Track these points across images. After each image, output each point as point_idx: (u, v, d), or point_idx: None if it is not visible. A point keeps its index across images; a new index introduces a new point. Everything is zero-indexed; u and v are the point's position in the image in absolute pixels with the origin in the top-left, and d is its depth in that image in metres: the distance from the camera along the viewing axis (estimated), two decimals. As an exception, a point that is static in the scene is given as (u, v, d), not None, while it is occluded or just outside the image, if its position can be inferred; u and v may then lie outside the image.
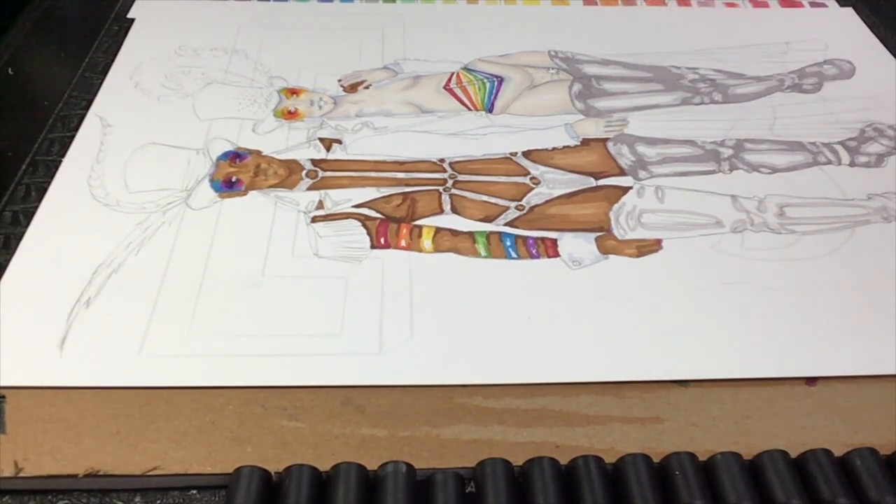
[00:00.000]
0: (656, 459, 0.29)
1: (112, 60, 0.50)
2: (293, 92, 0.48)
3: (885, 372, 0.33)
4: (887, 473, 0.29)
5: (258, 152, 0.43)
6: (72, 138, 0.43)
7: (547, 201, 0.41)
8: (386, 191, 0.41)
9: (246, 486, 0.28)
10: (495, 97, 0.48)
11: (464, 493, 0.28)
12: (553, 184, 0.42)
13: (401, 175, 0.42)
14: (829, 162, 0.44)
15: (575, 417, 0.31)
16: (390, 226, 0.39)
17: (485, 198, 0.41)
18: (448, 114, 0.46)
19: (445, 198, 0.41)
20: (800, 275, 0.37)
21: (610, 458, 0.29)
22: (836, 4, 0.57)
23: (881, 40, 0.53)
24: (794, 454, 0.29)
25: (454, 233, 0.39)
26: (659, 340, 0.34)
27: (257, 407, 0.31)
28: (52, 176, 0.41)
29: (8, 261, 0.37)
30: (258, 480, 0.28)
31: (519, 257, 0.38)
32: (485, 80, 0.49)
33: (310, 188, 0.41)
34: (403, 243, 0.38)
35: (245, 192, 0.41)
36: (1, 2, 0.53)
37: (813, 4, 0.56)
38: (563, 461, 0.29)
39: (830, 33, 0.54)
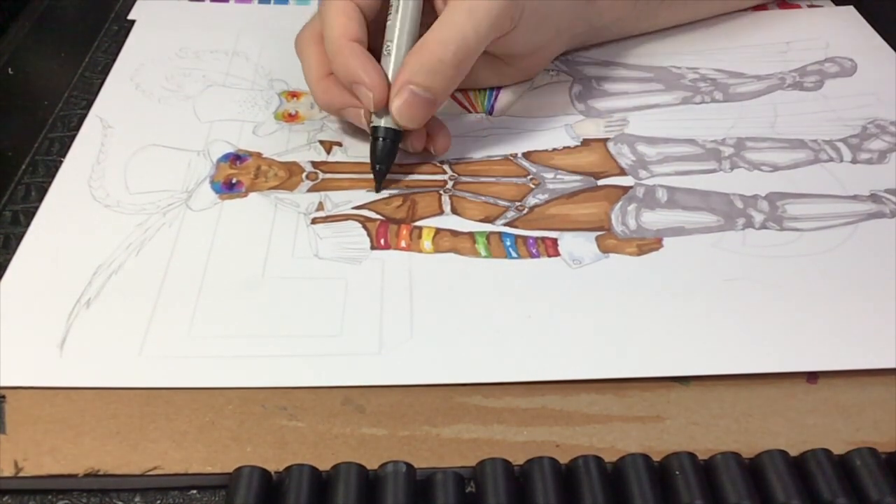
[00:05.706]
0: (657, 458, 0.29)
1: (112, 61, 0.50)
2: (294, 95, 0.48)
3: (887, 365, 0.33)
4: (887, 473, 0.28)
5: (258, 154, 0.43)
6: (72, 138, 0.44)
7: (547, 201, 0.41)
8: (386, 192, 0.41)
9: (246, 485, 0.28)
10: (495, 99, 0.48)
11: (464, 493, 0.28)
12: (553, 184, 0.42)
13: (401, 177, 0.42)
14: (830, 159, 0.44)
15: (575, 416, 0.31)
16: (390, 227, 0.39)
17: (485, 199, 0.41)
18: (448, 116, 0.46)
19: (445, 199, 0.41)
20: (802, 272, 0.37)
21: (610, 457, 0.29)
22: (832, 4, 0.57)
23: (883, 37, 0.53)
24: (795, 452, 0.29)
25: (454, 233, 0.39)
26: (660, 338, 0.34)
27: (257, 407, 0.31)
28: (52, 176, 0.41)
29: (8, 261, 0.37)
30: (258, 480, 0.28)
31: (519, 257, 0.38)
32: (485, 81, 0.49)
33: (310, 190, 0.41)
34: (403, 244, 0.38)
35: (245, 194, 0.41)
36: (1, 2, 0.53)
37: (812, 7, 0.56)
38: (564, 460, 0.29)
39: (831, 31, 0.53)
